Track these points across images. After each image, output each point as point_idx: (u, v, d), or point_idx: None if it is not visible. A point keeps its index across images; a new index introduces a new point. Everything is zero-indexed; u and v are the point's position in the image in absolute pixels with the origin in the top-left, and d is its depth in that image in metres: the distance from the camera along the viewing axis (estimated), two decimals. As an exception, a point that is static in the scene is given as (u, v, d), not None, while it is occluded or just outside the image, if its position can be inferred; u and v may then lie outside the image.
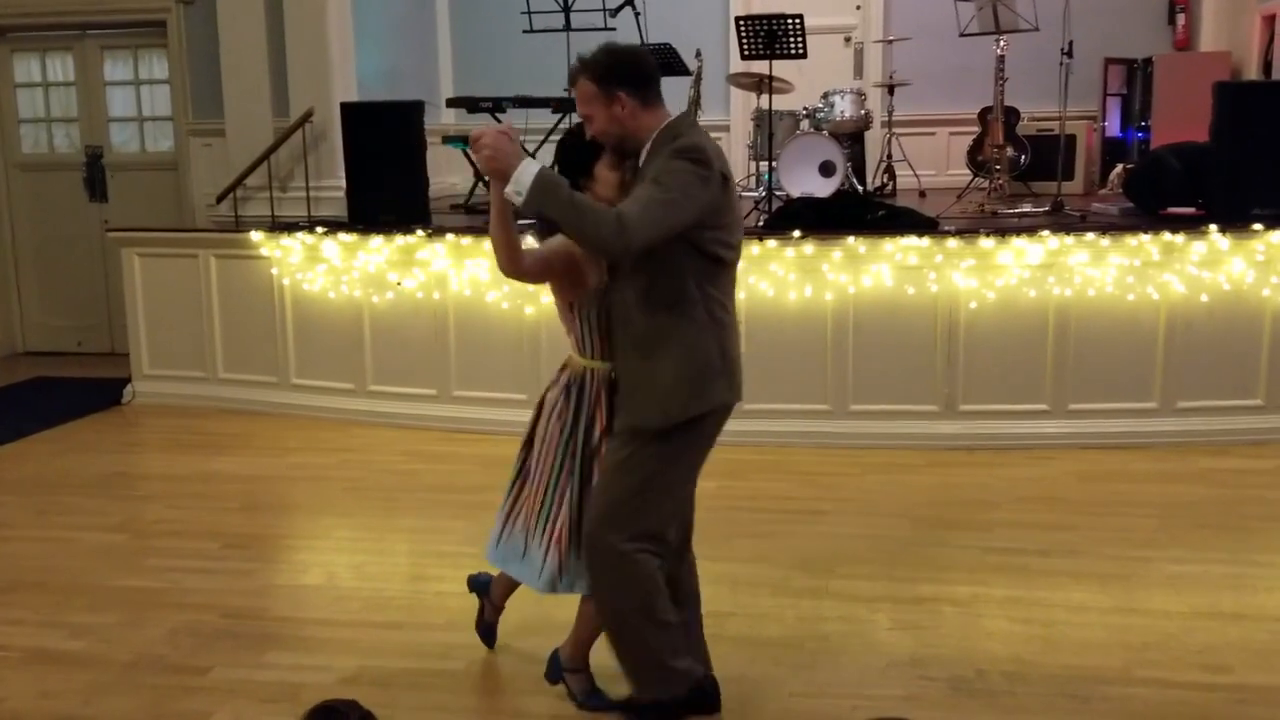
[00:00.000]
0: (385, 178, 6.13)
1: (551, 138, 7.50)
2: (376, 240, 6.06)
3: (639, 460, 2.87)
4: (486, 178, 2.95)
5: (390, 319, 6.14)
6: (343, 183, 6.40)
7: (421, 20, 8.78)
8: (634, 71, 2.87)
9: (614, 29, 6.34)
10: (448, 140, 7.88)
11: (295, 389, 6.39)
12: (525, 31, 6.50)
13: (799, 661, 3.43)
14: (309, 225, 6.26)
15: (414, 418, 6.10)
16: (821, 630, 3.65)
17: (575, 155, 3.01)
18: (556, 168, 2.97)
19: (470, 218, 6.82)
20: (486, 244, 5.85)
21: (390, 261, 6.08)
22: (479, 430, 5.91)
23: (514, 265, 2.88)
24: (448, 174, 8.38)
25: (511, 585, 3.39)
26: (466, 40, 9.04)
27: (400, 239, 6.02)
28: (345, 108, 6.38)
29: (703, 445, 2.96)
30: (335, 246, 6.14)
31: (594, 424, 2.99)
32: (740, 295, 5.50)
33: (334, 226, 6.20)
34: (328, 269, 6.20)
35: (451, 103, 7.93)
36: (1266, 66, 7.18)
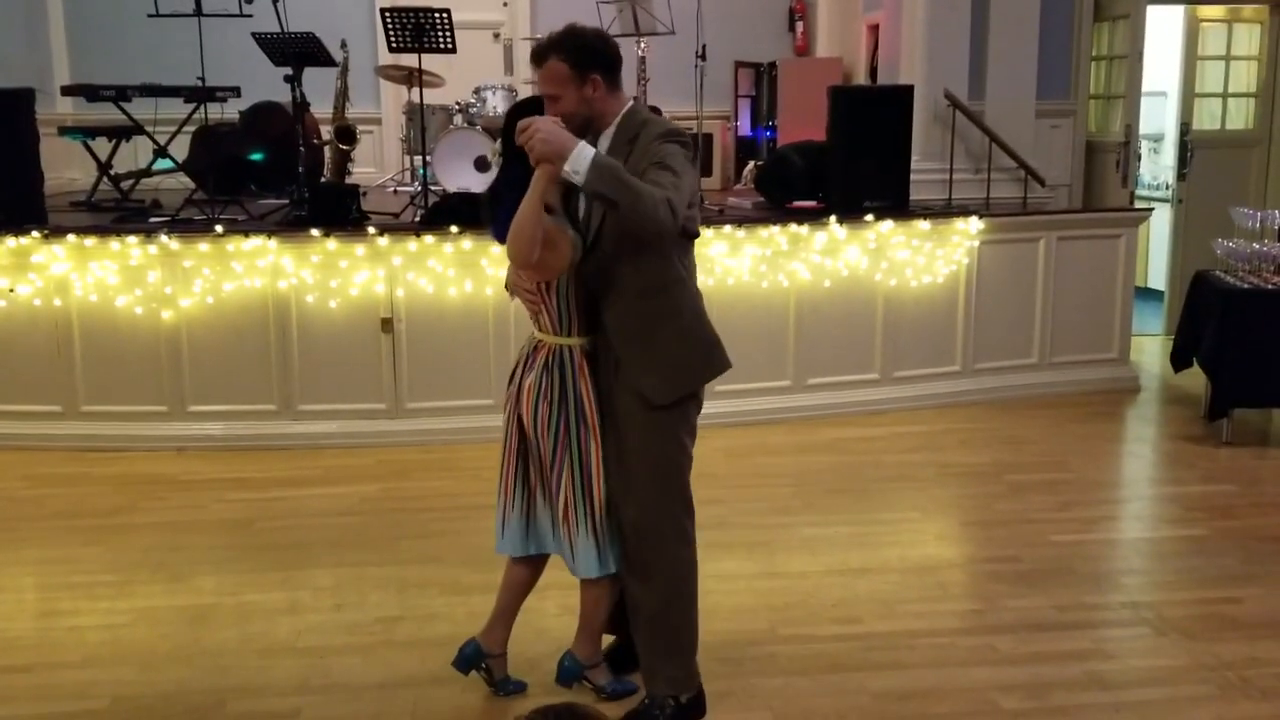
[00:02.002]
0: (-10, 173, 5.49)
1: (185, 129, 7.03)
2: (-19, 242, 5.43)
3: (663, 433, 2.98)
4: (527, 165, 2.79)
5: (2, 330, 5.52)
6: (-63, 179, 5.66)
7: (28, 0, 7.94)
8: (606, 55, 2.94)
9: (250, 15, 6.01)
10: (66, 132, 7.20)
11: (-114, 413, 5.60)
12: (150, 16, 6.03)
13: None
14: (-105, 226, 5.50)
15: (36, 438, 5.52)
16: (491, 624, 3.68)
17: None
18: (510, 145, 2.88)
19: (94, 216, 6.26)
20: (114, 244, 5.41)
21: (0, 266, 5.47)
22: (114, 448, 5.45)
23: (534, 253, 2.82)
24: (65, 169, 7.62)
25: (506, 626, 3.24)
26: (82, 23, 8.25)
27: (11, 240, 5.43)
28: (-63, 95, 5.65)
29: (698, 409, 3.10)
30: (-70, 250, 5.44)
31: (582, 399, 3.01)
32: (399, 293, 5.53)
33: (-72, 228, 5.48)
34: (-78, 276, 5.48)
35: (68, 90, 7.23)
36: (873, 71, 7.96)
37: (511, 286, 3.11)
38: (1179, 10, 7.90)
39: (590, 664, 3.21)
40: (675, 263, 2.97)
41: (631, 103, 3.02)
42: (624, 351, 2.98)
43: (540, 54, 2.92)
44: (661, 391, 2.97)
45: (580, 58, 2.89)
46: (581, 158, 2.69)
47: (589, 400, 3.02)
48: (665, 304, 2.97)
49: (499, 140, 2.98)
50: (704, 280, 5.72)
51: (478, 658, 3.22)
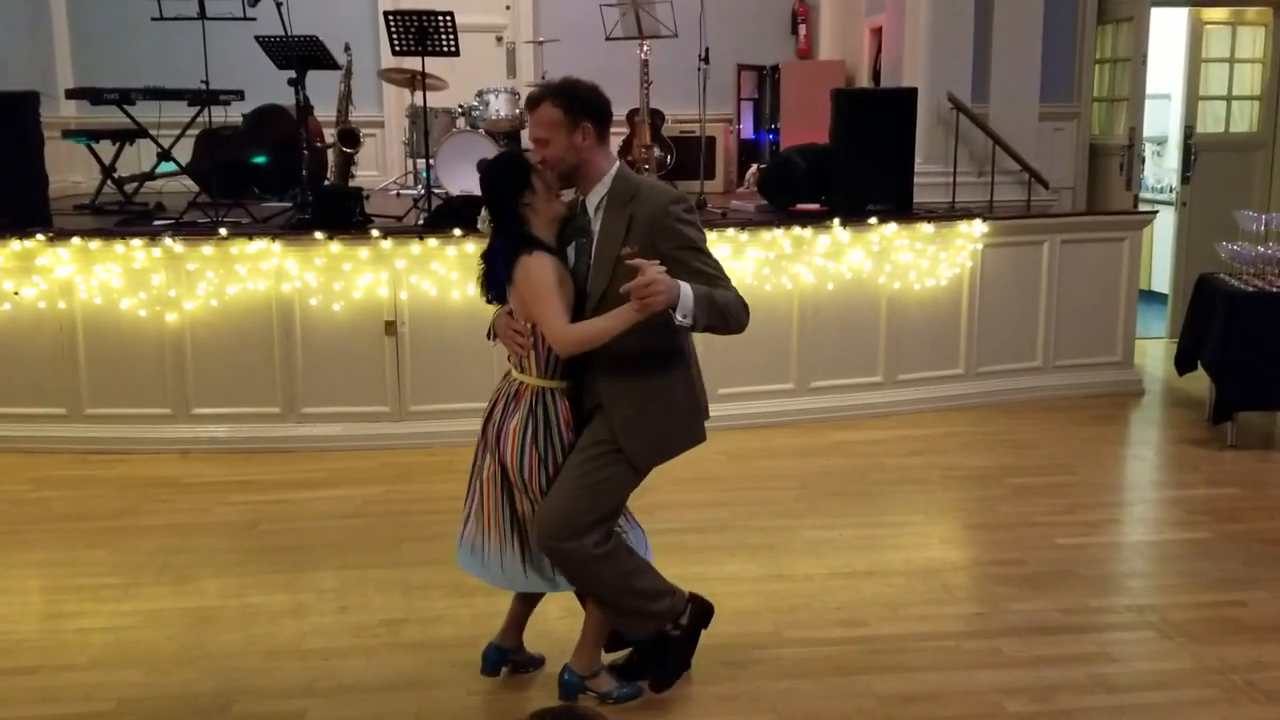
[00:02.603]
0: (-5, 176, 5.50)
1: (189, 132, 7.04)
2: (-14, 245, 5.44)
3: (606, 468, 2.98)
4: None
5: (7, 332, 5.53)
6: (-59, 182, 5.67)
7: (32, 3, 7.95)
8: (599, 107, 2.97)
9: (254, 19, 6.01)
10: (70, 134, 7.21)
11: (-109, 416, 5.61)
12: (154, 19, 6.04)
13: (476, 660, 3.42)
14: (-100, 229, 5.50)
15: (40, 440, 5.53)
16: (495, 627, 3.67)
17: (511, 172, 3.01)
18: (493, 193, 3.01)
19: (98, 219, 6.27)
20: (119, 247, 5.42)
21: (4, 269, 5.47)
22: (119, 450, 5.45)
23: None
24: (69, 172, 7.64)
25: (519, 628, 3.34)
26: (86, 26, 8.27)
27: (16, 243, 5.43)
28: (-58, 98, 5.66)
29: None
30: (-66, 253, 5.44)
31: (566, 442, 3.03)
32: (402, 295, 5.54)
33: (-68, 230, 5.49)
34: (-74, 278, 5.48)
35: (72, 94, 7.25)
36: (876, 74, 7.96)
37: (495, 331, 3.14)
38: (1183, 13, 7.90)
39: (589, 674, 3.21)
40: (677, 332, 2.98)
41: (620, 163, 3.05)
42: (614, 411, 3.00)
43: (535, 99, 2.98)
44: (643, 456, 3.03)
45: (573, 104, 2.93)
46: (687, 302, 2.75)
47: (571, 440, 3.04)
48: (661, 374, 3.03)
49: (484, 210, 3.07)
50: (708, 283, 5.75)
51: (501, 658, 3.30)
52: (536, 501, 3.03)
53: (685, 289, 2.76)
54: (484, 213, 3.07)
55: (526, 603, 3.31)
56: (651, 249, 2.86)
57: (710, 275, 2.89)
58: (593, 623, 3.19)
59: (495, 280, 3.05)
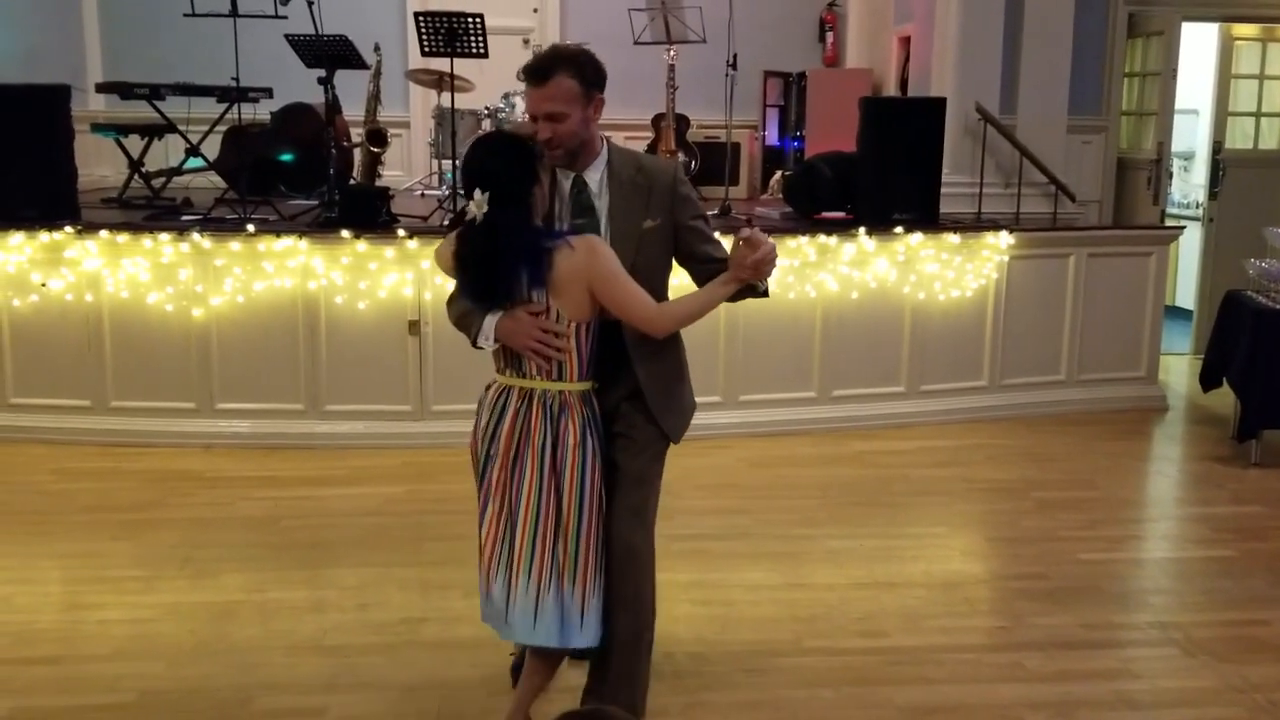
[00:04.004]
0: (26, 169, 5.53)
1: (218, 128, 7.08)
2: (17, 237, 5.47)
3: (659, 467, 3.00)
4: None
5: (34, 324, 5.57)
6: (-28, 174, 5.72)
7: (63, -4, 8.02)
8: (604, 76, 2.85)
9: (285, 17, 6.04)
10: (99, 129, 7.26)
11: (-82, 404, 5.66)
12: (186, 15, 6.08)
13: (496, 661, 3.43)
14: (-69, 220, 5.55)
15: (65, 432, 5.56)
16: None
17: (526, 164, 2.68)
18: (505, 184, 2.65)
19: (126, 213, 6.31)
20: (146, 241, 5.45)
21: (34, 261, 5.52)
22: (143, 443, 5.48)
23: None
24: (98, 166, 7.69)
25: (527, 703, 2.96)
26: (117, 21, 8.32)
27: (45, 236, 5.48)
28: (-25, 90, 5.71)
29: None
30: (-35, 244, 5.49)
31: (568, 452, 2.74)
32: (426, 295, 5.55)
33: (-37, 222, 5.53)
34: (-44, 269, 5.53)
35: (102, 88, 7.30)
36: (903, 83, 7.94)
37: (499, 336, 2.72)
38: (1213, 28, 7.86)
39: None
40: None
41: (604, 137, 2.96)
42: (653, 394, 2.93)
43: (545, 70, 2.72)
44: (678, 430, 3.02)
45: (588, 74, 2.76)
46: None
47: (573, 453, 2.75)
48: (677, 349, 3.03)
49: (480, 192, 2.63)
50: (731, 289, 5.74)
51: None
52: (567, 525, 2.75)
53: None
54: (479, 196, 2.63)
55: (534, 678, 2.96)
56: (673, 220, 2.87)
57: (718, 243, 2.97)
58: (530, 687, 2.95)
59: (505, 281, 2.67)
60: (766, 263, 2.71)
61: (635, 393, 2.93)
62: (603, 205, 2.87)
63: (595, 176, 2.87)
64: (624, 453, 2.91)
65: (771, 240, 2.72)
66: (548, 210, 2.82)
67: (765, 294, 2.86)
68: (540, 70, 2.73)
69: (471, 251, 2.70)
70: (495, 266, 2.67)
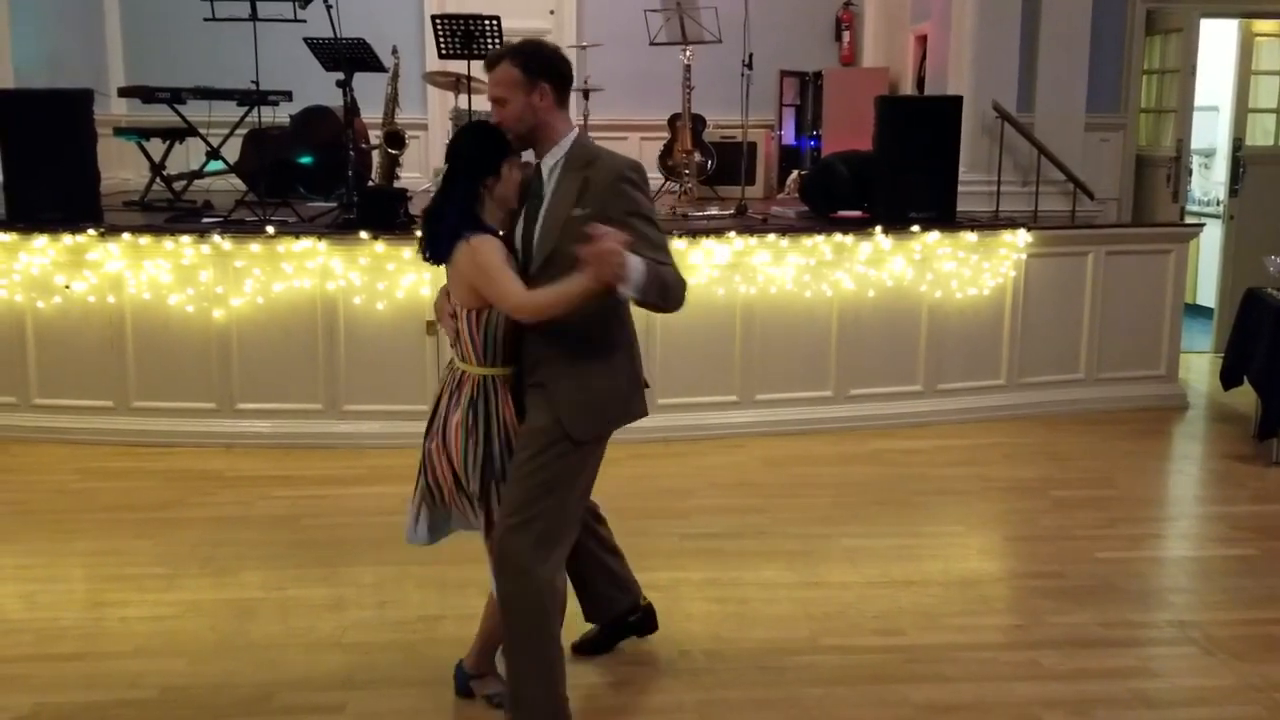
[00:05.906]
0: (50, 172, 5.60)
1: (238, 131, 7.14)
2: (40, 240, 5.54)
3: (552, 461, 2.88)
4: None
5: (58, 325, 5.63)
6: (-1, 177, 5.80)
7: (86, 2, 8.10)
8: (558, 69, 2.94)
9: (304, 20, 6.10)
10: (121, 132, 7.33)
11: (-55, 405, 5.73)
12: (206, 20, 6.14)
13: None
14: (-44, 223, 5.62)
15: (88, 432, 5.62)
16: (532, 625, 3.70)
17: (489, 153, 2.91)
18: (461, 161, 2.93)
19: (148, 215, 6.37)
20: (168, 243, 5.50)
21: (57, 263, 5.58)
22: (164, 443, 5.54)
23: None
24: (119, 169, 7.77)
25: (488, 645, 3.19)
26: (139, 26, 8.41)
27: (68, 238, 5.54)
28: (1, 96, 5.78)
29: (602, 454, 3.04)
30: (-10, 246, 5.56)
31: (508, 432, 2.95)
32: (433, 293, 5.57)
33: (-12, 225, 5.61)
34: (-19, 271, 5.60)
35: (124, 92, 7.37)
36: (920, 82, 7.93)
37: (438, 312, 3.07)
38: (1233, 24, 7.81)
39: (476, 674, 3.22)
40: (620, 304, 2.89)
41: (579, 130, 3.01)
42: (552, 382, 2.91)
43: (494, 59, 2.94)
44: (581, 427, 2.90)
45: (531, 64, 2.89)
46: (636, 276, 2.68)
47: (514, 432, 2.94)
48: (602, 339, 2.95)
49: (446, 160, 2.99)
50: (746, 289, 5.76)
51: (463, 681, 3.25)
52: (475, 498, 2.95)
53: (634, 264, 2.68)
54: (442, 166, 2.96)
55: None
56: (602, 214, 2.80)
57: (655, 244, 2.83)
58: (489, 624, 3.14)
59: (435, 244, 2.94)
60: (600, 257, 2.62)
61: (540, 382, 2.94)
62: (548, 192, 2.95)
63: (550, 164, 2.97)
64: (517, 449, 2.93)
65: (618, 242, 2.64)
66: (517, 203, 2.98)
67: (629, 299, 2.75)
68: (490, 59, 2.97)
69: (425, 209, 3.05)
70: (428, 225, 3.00)
